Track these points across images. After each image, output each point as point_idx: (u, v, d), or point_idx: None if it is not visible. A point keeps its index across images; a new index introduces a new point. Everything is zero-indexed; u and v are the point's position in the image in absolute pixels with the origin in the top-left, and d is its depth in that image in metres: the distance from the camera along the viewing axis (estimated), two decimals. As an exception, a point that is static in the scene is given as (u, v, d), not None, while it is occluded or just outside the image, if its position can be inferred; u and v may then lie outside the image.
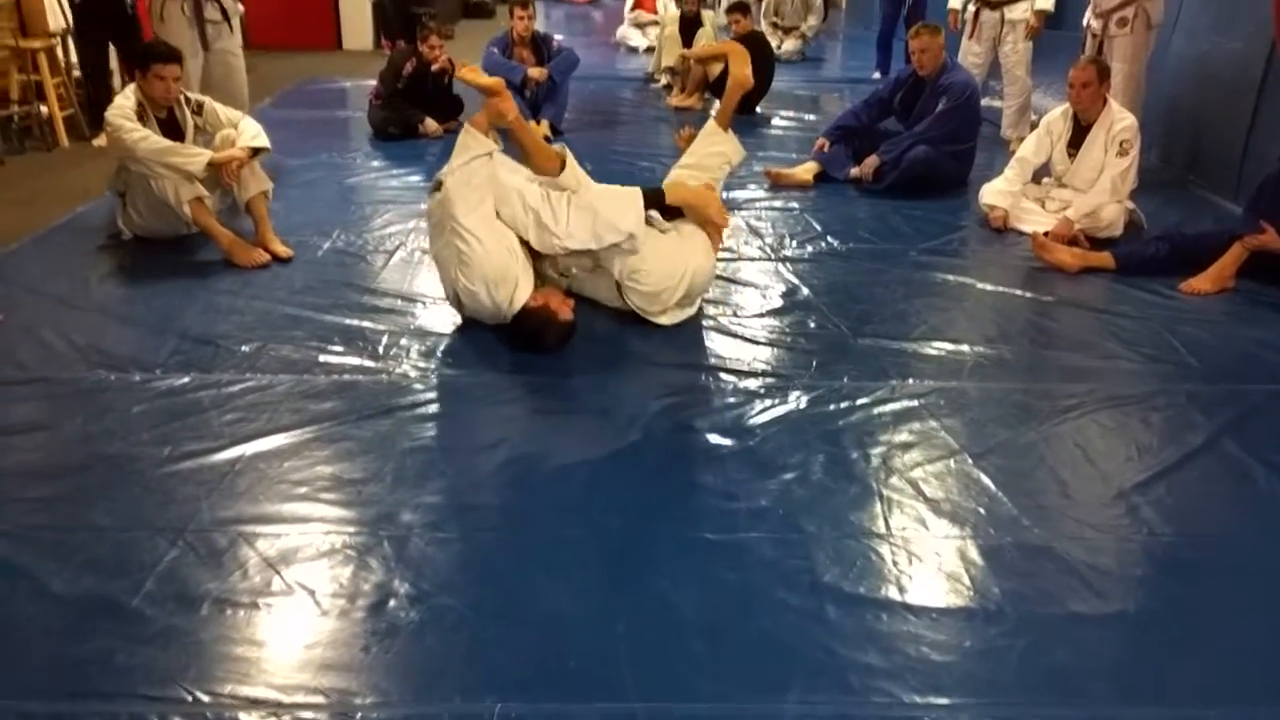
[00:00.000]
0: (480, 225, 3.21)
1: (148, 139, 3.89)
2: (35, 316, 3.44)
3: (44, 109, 5.79)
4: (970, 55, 6.05)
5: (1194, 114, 5.36)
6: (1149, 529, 2.43)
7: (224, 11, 5.18)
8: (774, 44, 8.63)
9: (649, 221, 3.47)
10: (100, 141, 5.34)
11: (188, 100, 4.16)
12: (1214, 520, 2.53)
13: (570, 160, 3.36)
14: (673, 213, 3.56)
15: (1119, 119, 4.43)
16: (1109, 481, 2.64)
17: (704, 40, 7.44)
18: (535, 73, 6.28)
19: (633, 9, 10.22)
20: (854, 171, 5.29)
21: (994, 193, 4.68)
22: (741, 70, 3.90)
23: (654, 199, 3.43)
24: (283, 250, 4.04)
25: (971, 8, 6.07)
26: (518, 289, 3.24)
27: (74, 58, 6.21)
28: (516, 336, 3.28)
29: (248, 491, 2.49)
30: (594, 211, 3.28)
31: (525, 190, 3.31)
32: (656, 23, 9.14)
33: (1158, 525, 2.44)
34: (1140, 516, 2.47)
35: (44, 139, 5.81)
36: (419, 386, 3.07)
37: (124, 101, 3.97)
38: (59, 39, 6.09)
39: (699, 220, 3.56)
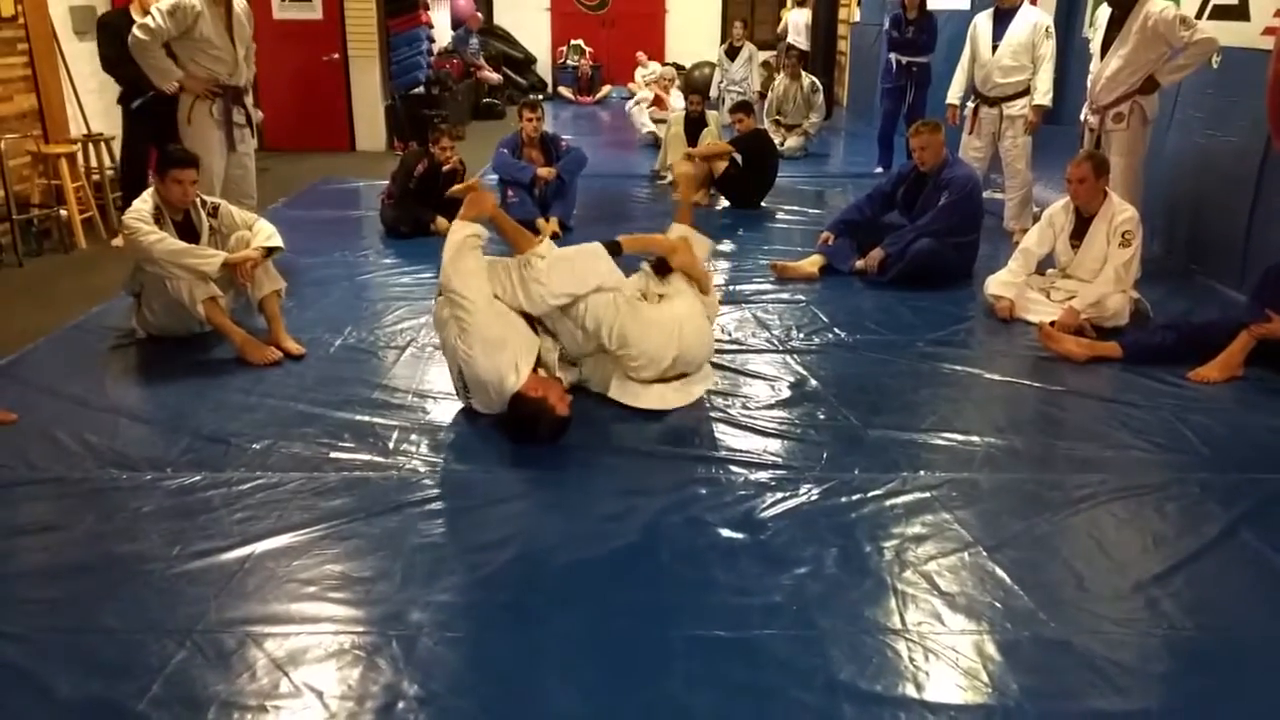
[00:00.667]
0: (477, 294, 3.39)
1: (163, 240, 3.98)
2: (49, 416, 3.47)
3: (63, 212, 5.91)
4: (970, 150, 6.17)
5: (1194, 204, 5.44)
6: (1169, 623, 2.39)
7: (248, 116, 5.34)
8: (777, 141, 8.81)
9: (645, 295, 3.71)
10: (119, 242, 5.44)
11: (203, 203, 4.25)
12: (1235, 614, 2.48)
13: (545, 239, 3.74)
14: (662, 270, 3.79)
15: (1120, 211, 4.49)
16: (1126, 574, 2.61)
17: (708, 139, 7.61)
18: (544, 172, 6.41)
19: (650, 105, 10.42)
20: (859, 264, 5.35)
21: (999, 283, 4.72)
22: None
23: (612, 248, 3.66)
24: (295, 348, 4.08)
25: (970, 104, 6.22)
26: (520, 360, 3.32)
27: (94, 162, 6.37)
28: (510, 424, 3.33)
29: (256, 591, 2.48)
30: (570, 261, 3.55)
31: (509, 263, 3.57)
32: (662, 120, 9.37)
33: (1178, 619, 2.41)
34: (1160, 610, 2.44)
35: (62, 241, 5.92)
36: (428, 482, 3.07)
37: (141, 205, 4.07)
38: (80, 145, 6.26)
39: (681, 266, 3.78)
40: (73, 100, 6.45)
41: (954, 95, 6.34)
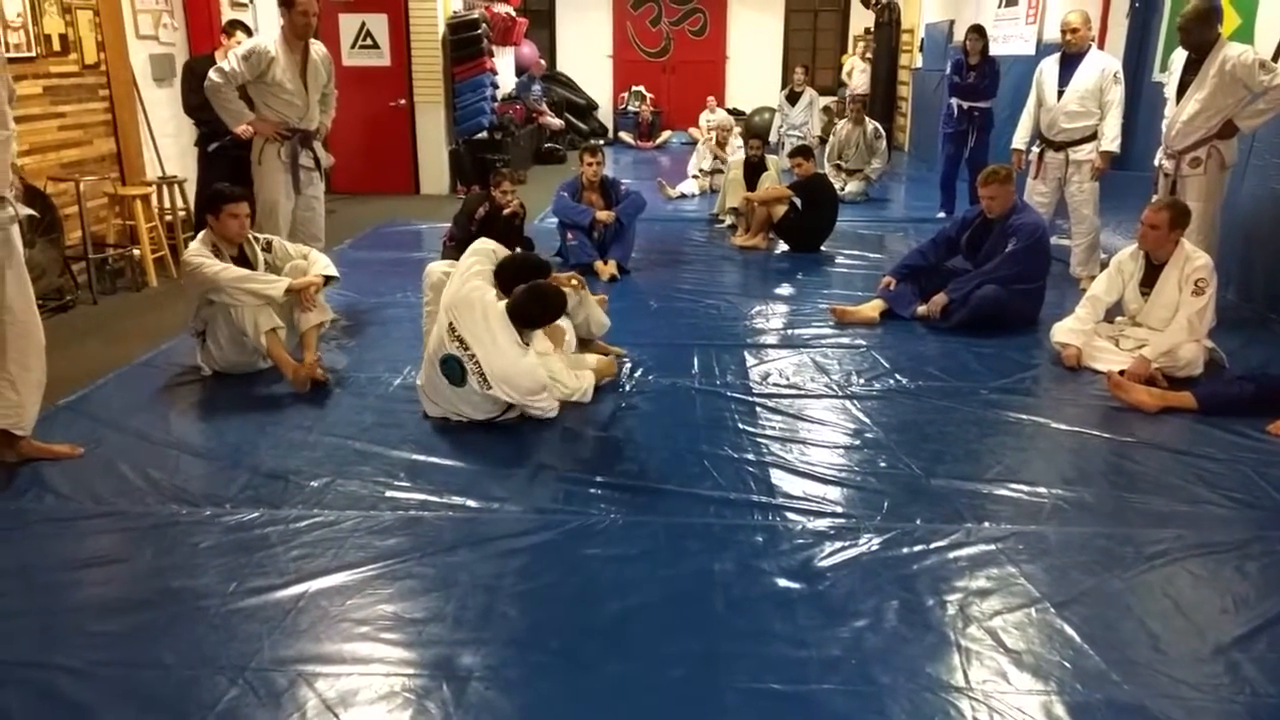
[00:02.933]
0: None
1: (228, 269, 4.15)
2: (115, 450, 3.53)
3: (136, 252, 6.08)
4: (1036, 195, 6.07)
5: (1272, 251, 5.28)
6: (1252, 689, 2.27)
7: (316, 160, 5.47)
8: (838, 185, 8.77)
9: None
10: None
11: (257, 239, 4.42)
12: (1323, 680, 2.35)
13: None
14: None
15: (1193, 258, 4.37)
16: (1205, 635, 2.49)
17: (768, 183, 7.60)
18: (603, 215, 6.45)
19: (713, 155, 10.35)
20: (921, 309, 5.28)
21: (1066, 331, 4.62)
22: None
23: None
24: (321, 375, 4.20)
25: (1036, 149, 6.13)
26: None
27: (167, 203, 6.54)
28: (529, 315, 3.69)
29: (310, 630, 2.47)
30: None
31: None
32: (721, 171, 9.36)
33: (1262, 685, 2.28)
34: (1242, 674, 2.32)
35: (134, 280, 6.08)
36: (482, 523, 3.06)
37: (198, 244, 4.24)
38: (155, 187, 6.45)
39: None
40: (149, 144, 6.65)
41: (1019, 140, 6.25)
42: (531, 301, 3.68)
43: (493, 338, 3.62)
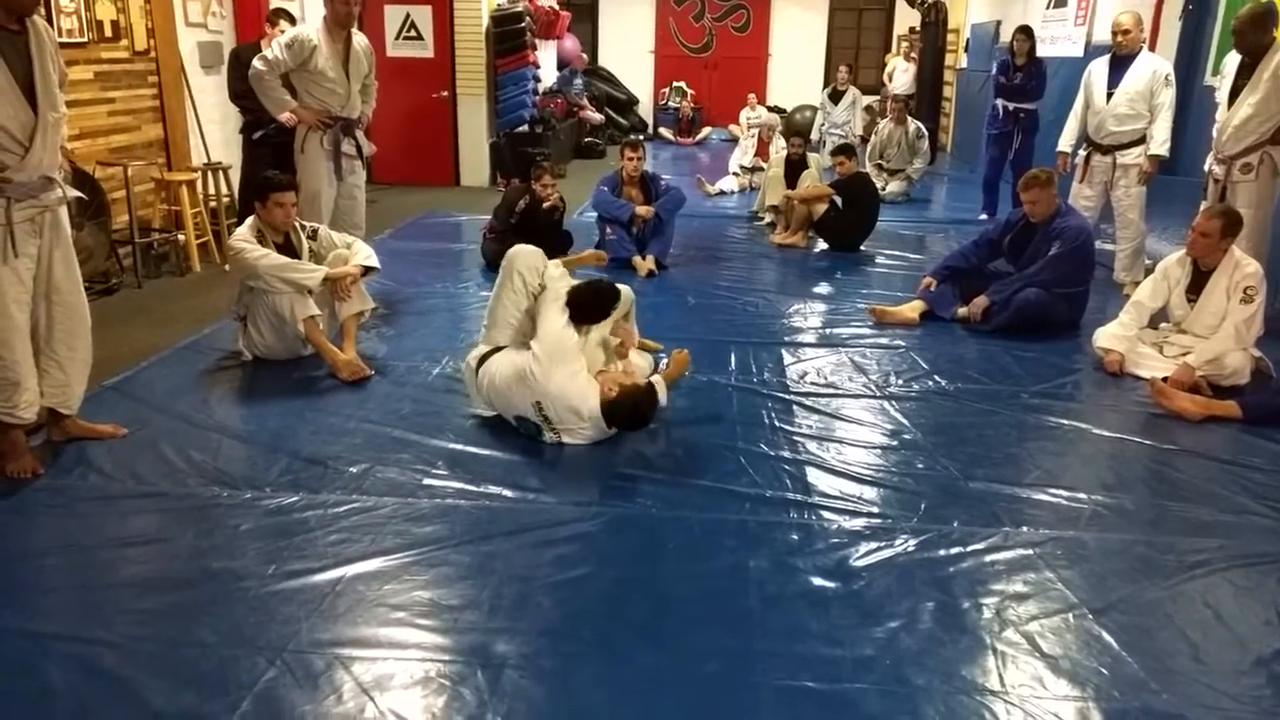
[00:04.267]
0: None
1: (268, 256, 4.19)
2: (157, 432, 3.58)
3: (181, 237, 6.16)
4: (1081, 199, 5.99)
5: (1323, 260, 5.17)
6: (1295, 703, 2.24)
7: (358, 149, 5.52)
8: (879, 185, 8.71)
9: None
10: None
11: (303, 227, 4.47)
12: (1369, 697, 2.31)
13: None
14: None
15: (1242, 265, 4.30)
16: (1246, 647, 2.45)
17: (808, 181, 7.57)
18: (643, 210, 6.45)
19: (755, 154, 10.32)
20: (961, 311, 5.23)
21: (1109, 336, 4.56)
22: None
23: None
24: (367, 373, 4.22)
25: (1082, 152, 6.05)
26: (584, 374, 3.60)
27: (211, 189, 6.62)
28: (621, 422, 3.55)
29: (347, 614, 2.50)
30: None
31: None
32: (761, 168, 9.33)
33: (1305, 699, 2.25)
34: (1284, 688, 2.28)
35: (178, 265, 6.17)
36: (518, 512, 3.07)
37: (244, 230, 4.31)
38: (200, 173, 6.53)
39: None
40: (195, 131, 6.74)
41: (1065, 143, 6.18)
42: (630, 411, 3.55)
43: (582, 428, 3.55)
